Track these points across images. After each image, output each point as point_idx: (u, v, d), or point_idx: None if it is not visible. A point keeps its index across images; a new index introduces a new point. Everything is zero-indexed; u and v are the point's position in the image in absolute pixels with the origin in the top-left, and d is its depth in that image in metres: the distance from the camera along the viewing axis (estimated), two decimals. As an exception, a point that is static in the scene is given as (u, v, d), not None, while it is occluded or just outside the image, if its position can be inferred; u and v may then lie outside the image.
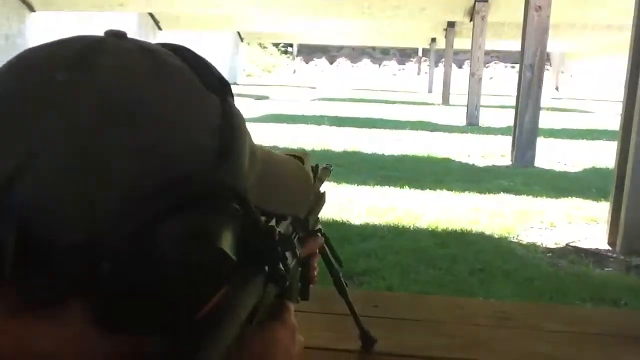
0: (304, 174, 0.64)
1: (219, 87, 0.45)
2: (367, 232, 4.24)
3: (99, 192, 0.38)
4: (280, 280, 0.67)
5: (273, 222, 0.69)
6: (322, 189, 1.08)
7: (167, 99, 0.42)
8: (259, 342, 0.66)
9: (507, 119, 8.47)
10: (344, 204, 4.92)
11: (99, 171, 0.38)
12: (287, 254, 0.76)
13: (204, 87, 0.44)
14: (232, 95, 0.47)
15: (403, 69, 26.23)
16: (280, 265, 0.68)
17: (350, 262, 3.58)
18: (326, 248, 1.05)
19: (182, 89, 0.43)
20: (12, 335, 0.38)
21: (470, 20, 11.59)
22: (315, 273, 0.99)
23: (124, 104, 0.40)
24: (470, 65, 11.11)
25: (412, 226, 4.42)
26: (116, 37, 0.44)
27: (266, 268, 0.66)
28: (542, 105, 7.15)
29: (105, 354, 0.42)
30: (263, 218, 0.70)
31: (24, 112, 0.39)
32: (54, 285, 0.39)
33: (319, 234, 0.98)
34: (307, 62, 26.64)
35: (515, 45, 7.47)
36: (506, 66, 24.59)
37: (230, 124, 0.45)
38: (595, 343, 1.14)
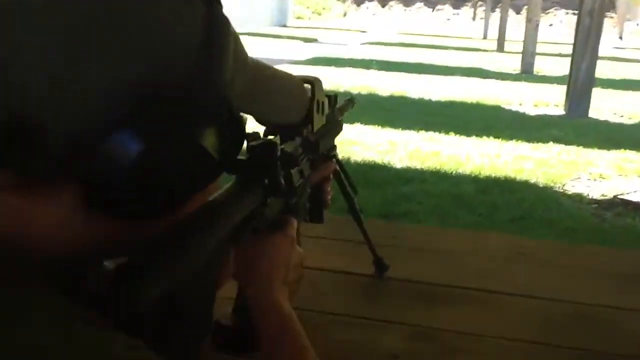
0: (301, 90, 0.65)
1: None
2: (409, 176, 4.23)
3: (87, 80, 0.40)
4: (280, 193, 0.70)
5: (277, 139, 0.72)
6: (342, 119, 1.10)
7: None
8: (257, 247, 0.70)
9: (564, 68, 8.09)
10: (387, 147, 4.90)
11: (88, 59, 0.40)
12: (293, 171, 0.79)
13: None
14: (219, 2, 0.49)
15: (457, 14, 25.31)
16: (282, 180, 0.71)
17: (390, 204, 3.60)
18: (341, 175, 1.07)
19: None
20: (14, 210, 0.43)
21: (531, -38, 10.99)
22: (329, 197, 1.02)
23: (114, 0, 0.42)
24: (528, 10, 10.61)
25: (454, 172, 4.38)
26: None
27: (266, 181, 0.69)
28: (602, 54, 6.81)
29: (96, 235, 0.46)
30: (270, 136, 0.73)
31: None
32: (46, 167, 0.42)
33: (333, 160, 1.00)
34: (358, 5, 26.03)
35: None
36: (567, 13, 23.36)
37: (216, 26, 0.47)
38: (611, 280, 1.14)
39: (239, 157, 0.69)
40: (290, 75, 0.63)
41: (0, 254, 0.40)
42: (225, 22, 0.47)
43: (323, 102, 0.93)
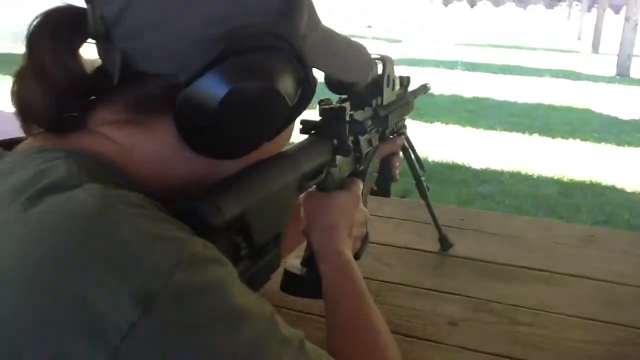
0: (367, 58, 0.71)
1: None
2: (487, 176, 4.17)
3: (179, 35, 0.48)
4: (347, 153, 0.76)
5: (347, 105, 0.78)
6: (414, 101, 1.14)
7: None
8: (325, 202, 0.76)
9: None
10: (467, 147, 4.84)
11: (182, 17, 0.48)
12: (361, 138, 0.85)
13: None
14: None
15: (551, 14, 24.33)
16: (350, 143, 0.77)
17: (465, 203, 3.58)
18: (409, 152, 1.11)
19: None
20: (115, 141, 0.51)
21: (632, -41, 10.41)
22: (397, 172, 1.07)
23: None
24: (626, 8, 10.06)
25: (535, 174, 4.27)
26: None
27: (335, 141, 0.75)
28: None
29: (185, 172, 0.54)
30: (339, 102, 0.79)
31: None
32: (148, 105, 0.51)
33: (401, 136, 1.05)
34: (446, 6, 25.61)
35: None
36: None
37: None
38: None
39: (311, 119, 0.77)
40: (359, 43, 0.68)
41: (109, 179, 0.47)
42: None
43: (394, 79, 0.98)
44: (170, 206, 0.48)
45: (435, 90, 7.10)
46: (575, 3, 22.24)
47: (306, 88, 0.54)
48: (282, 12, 0.52)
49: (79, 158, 0.47)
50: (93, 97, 0.53)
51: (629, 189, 4.02)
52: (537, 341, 0.88)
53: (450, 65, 10.16)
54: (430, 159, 4.34)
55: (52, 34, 0.49)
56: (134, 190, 0.46)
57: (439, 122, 5.72)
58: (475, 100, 7.25)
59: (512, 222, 1.37)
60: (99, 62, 0.53)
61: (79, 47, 0.52)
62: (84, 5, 0.52)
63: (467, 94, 7.63)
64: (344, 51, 0.65)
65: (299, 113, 0.57)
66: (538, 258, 1.15)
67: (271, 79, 0.50)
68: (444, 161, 4.43)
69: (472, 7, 25.45)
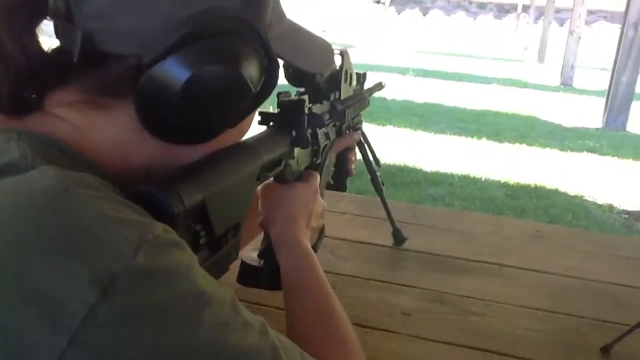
0: (329, 50, 0.71)
1: None
2: (437, 179, 4.26)
3: (147, 15, 0.47)
4: (305, 145, 0.76)
5: (305, 97, 0.79)
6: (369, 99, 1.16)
7: None
8: (283, 193, 0.76)
9: (605, 81, 7.99)
10: (418, 150, 4.93)
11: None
12: (319, 131, 0.85)
13: None
14: None
15: (499, 25, 25.06)
16: (308, 135, 0.78)
17: (417, 204, 3.64)
18: (365, 147, 1.13)
19: None
20: (71, 123, 0.50)
21: (576, -27, 10.86)
22: (353, 167, 1.08)
23: None
24: (570, 22, 10.48)
25: (483, 177, 4.39)
26: None
27: (293, 133, 0.75)
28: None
29: (144, 157, 0.53)
30: (298, 95, 0.80)
31: None
32: (109, 86, 0.49)
33: (358, 131, 1.06)
34: (399, 13, 26.02)
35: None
36: (613, 27, 22.90)
37: None
38: (623, 264, 1.17)
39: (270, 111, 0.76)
40: (321, 37, 0.69)
41: (63, 162, 0.46)
42: None
43: (351, 74, 0.99)
44: (128, 191, 0.47)
45: (387, 95, 7.24)
46: (522, 15, 22.99)
47: (269, 76, 0.54)
48: (246, 3, 0.51)
49: (32, 139, 0.46)
50: (51, 78, 0.51)
51: (571, 193, 4.18)
52: (488, 330, 0.90)
53: (402, 71, 10.34)
54: (382, 161, 4.39)
55: (9, 13, 0.48)
56: (89, 174, 0.45)
57: (391, 126, 5.82)
58: (426, 106, 7.40)
59: (462, 218, 1.40)
60: (56, 43, 0.51)
61: (36, 26, 0.50)
62: None
63: (419, 99, 7.78)
64: (307, 43, 0.65)
65: (262, 101, 0.57)
66: (488, 252, 1.18)
67: (236, 64, 0.49)
68: (396, 163, 4.49)
69: (424, 15, 25.93)
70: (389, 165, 4.37)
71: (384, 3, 25.60)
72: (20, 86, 0.48)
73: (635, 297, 1.03)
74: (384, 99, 7.26)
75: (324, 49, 0.70)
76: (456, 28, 23.71)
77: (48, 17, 0.50)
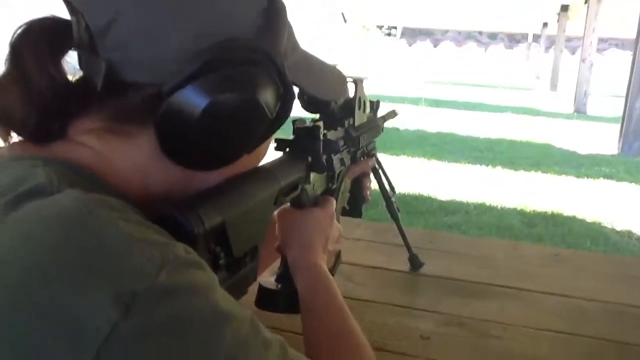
0: (342, 77, 0.73)
1: None
2: (452, 207, 4.24)
3: (166, 46, 0.49)
4: (321, 170, 0.78)
5: (320, 124, 0.80)
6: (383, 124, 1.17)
7: None
8: (299, 218, 0.78)
9: (619, 108, 7.97)
10: (432, 180, 4.93)
11: (168, 31, 0.49)
12: (334, 157, 0.87)
13: None
14: None
15: (511, 54, 25.23)
16: (323, 160, 0.79)
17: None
18: (380, 173, 1.14)
19: None
20: (94, 149, 0.52)
21: (585, 3, 10.96)
22: (368, 193, 1.09)
23: None
24: (582, 50, 10.52)
25: (499, 205, 4.36)
26: None
27: (309, 158, 0.77)
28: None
29: (164, 182, 0.54)
30: (311, 121, 0.82)
31: None
32: (131, 115, 0.51)
33: (372, 158, 1.08)
34: (410, 45, 26.31)
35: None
36: (625, 54, 22.93)
37: (275, 8, 0.55)
38: (642, 286, 1.16)
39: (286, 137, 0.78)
40: (333, 65, 0.71)
41: (87, 186, 0.48)
42: (283, 10, 0.56)
43: (364, 101, 1.01)
44: (150, 214, 0.48)
45: (400, 125, 7.26)
46: (533, 44, 23.13)
47: (285, 103, 0.56)
48: (264, 29, 0.54)
49: (57, 166, 0.47)
50: (74, 107, 0.53)
51: (589, 219, 4.13)
52: (508, 353, 0.89)
53: (415, 101, 10.41)
54: (397, 191, 4.39)
55: (36, 43, 0.50)
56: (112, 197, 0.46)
57: (405, 156, 5.83)
58: (440, 135, 7.41)
59: (479, 244, 1.40)
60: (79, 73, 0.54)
61: (62, 57, 0.52)
62: (67, 16, 0.53)
63: (432, 129, 7.80)
64: (320, 71, 0.67)
65: (278, 127, 0.58)
66: (505, 276, 1.17)
67: (252, 91, 0.51)
68: (411, 193, 4.49)
69: (435, 46, 26.20)
70: (403, 194, 4.37)
71: (395, 35, 25.92)
72: (45, 115, 0.50)
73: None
74: (397, 129, 7.30)
75: (337, 77, 0.72)
76: (467, 58, 23.87)
77: (73, 48, 0.52)
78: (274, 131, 0.59)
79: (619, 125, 7.05)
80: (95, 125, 0.52)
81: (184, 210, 0.51)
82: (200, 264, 0.45)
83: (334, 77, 0.71)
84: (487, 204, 4.37)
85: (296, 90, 0.59)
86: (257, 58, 0.52)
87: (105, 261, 0.39)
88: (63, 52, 0.52)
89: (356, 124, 0.97)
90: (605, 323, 1.00)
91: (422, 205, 4.19)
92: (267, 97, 0.53)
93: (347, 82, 0.79)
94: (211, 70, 0.49)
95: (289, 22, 0.59)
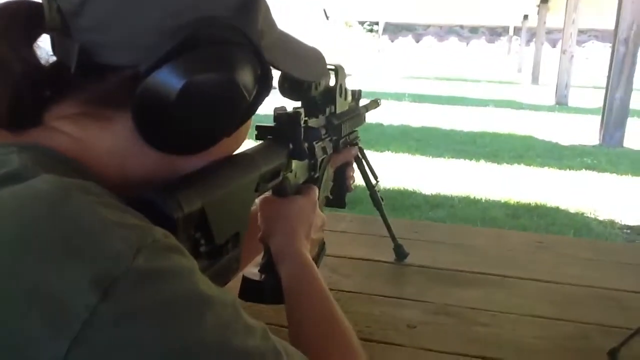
0: (322, 58, 0.72)
1: None
2: (437, 201, 4.25)
3: (141, 25, 0.48)
4: (302, 156, 0.77)
5: (301, 110, 0.79)
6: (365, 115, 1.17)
7: None
8: (282, 206, 0.77)
9: (599, 99, 8.06)
10: (417, 174, 4.94)
11: (144, 8, 0.48)
12: (316, 145, 0.86)
13: None
14: None
15: (492, 48, 25.39)
16: (305, 147, 0.78)
17: (418, 226, 3.63)
18: (363, 162, 1.13)
19: None
20: (71, 135, 0.50)
21: (565, -5, 11.06)
22: (351, 182, 1.08)
23: None
24: (562, 42, 10.61)
25: (483, 198, 4.38)
26: None
27: (290, 145, 0.76)
28: (638, 84, 6.75)
29: (141, 166, 0.53)
30: (293, 110, 0.81)
31: None
32: (107, 98, 0.50)
33: (355, 146, 1.07)
34: (392, 41, 26.35)
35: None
36: (605, 46, 23.19)
37: None
38: (625, 270, 1.17)
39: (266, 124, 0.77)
40: (312, 46, 0.70)
41: (64, 171, 0.46)
42: None
43: (346, 89, 1.00)
44: (128, 200, 0.47)
45: (384, 120, 7.27)
46: (514, 37, 23.29)
47: (263, 83, 0.55)
48: (240, 7, 0.52)
49: (32, 152, 0.46)
50: (49, 92, 0.52)
51: (572, 210, 4.17)
52: (494, 340, 0.89)
53: (398, 97, 10.43)
54: (382, 186, 4.40)
55: (8, 27, 0.49)
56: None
57: (389, 151, 5.84)
58: (423, 130, 7.44)
59: (463, 233, 1.40)
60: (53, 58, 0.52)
61: (34, 40, 0.51)
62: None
63: (415, 123, 7.82)
64: (300, 51, 0.66)
65: (256, 108, 0.57)
66: (490, 264, 1.18)
67: (229, 71, 0.50)
68: (396, 188, 4.49)
69: (417, 42, 26.28)
70: (388, 189, 4.37)
71: (377, 31, 25.96)
72: (18, 100, 0.49)
73: (639, 301, 1.02)
74: (381, 124, 7.31)
75: (317, 57, 0.70)
76: (450, 53, 23.99)
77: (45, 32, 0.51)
78: (252, 113, 0.58)
79: (599, 117, 7.13)
80: (71, 110, 0.51)
81: (162, 194, 0.50)
82: (179, 249, 0.44)
83: (313, 57, 0.70)
84: (472, 197, 4.39)
85: (277, 76, 0.58)
86: (233, 37, 0.51)
87: (81, 244, 0.38)
88: (36, 36, 0.51)
89: (338, 111, 0.96)
90: (589, 307, 1.00)
91: (407, 200, 4.19)
92: (245, 77, 0.52)
93: (326, 62, 0.78)
94: (187, 49, 0.48)
95: (265, 1, 0.57)
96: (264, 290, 0.76)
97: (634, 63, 6.61)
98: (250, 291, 0.77)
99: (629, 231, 3.83)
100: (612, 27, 6.85)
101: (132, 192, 0.50)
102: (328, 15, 20.38)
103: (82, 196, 0.42)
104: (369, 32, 25.95)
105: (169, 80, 0.48)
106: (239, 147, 0.64)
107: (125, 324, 0.37)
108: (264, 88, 0.55)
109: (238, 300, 0.46)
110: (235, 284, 0.66)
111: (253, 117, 0.59)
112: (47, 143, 0.49)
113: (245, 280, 0.78)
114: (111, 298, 0.37)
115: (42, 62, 0.51)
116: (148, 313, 0.38)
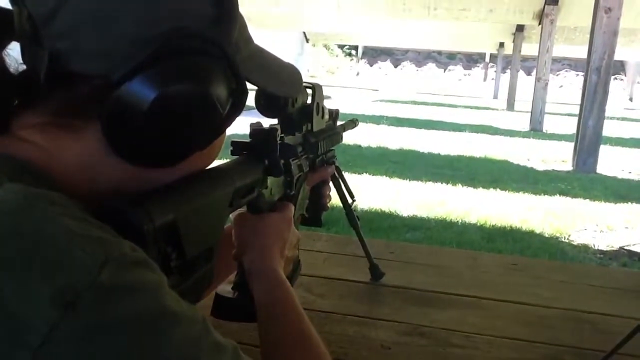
0: (298, 75, 0.72)
1: None
2: (414, 224, 4.26)
3: (113, 33, 0.47)
4: (278, 173, 0.76)
5: (277, 126, 0.79)
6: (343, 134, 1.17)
7: None
8: (257, 224, 0.75)
9: (573, 126, 8.23)
10: (394, 196, 4.96)
11: (118, 16, 0.47)
12: (292, 162, 0.85)
13: None
14: None
15: (469, 75, 25.84)
16: (280, 164, 0.78)
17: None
18: (339, 181, 1.13)
19: None
20: (38, 145, 0.49)
21: (539, 24, 11.33)
22: (327, 201, 1.08)
23: None
24: (537, 70, 10.84)
25: (460, 221, 4.41)
26: None
27: (266, 161, 0.75)
28: (613, 115, 6.91)
29: (111, 178, 0.52)
30: (269, 126, 0.80)
31: None
32: (76, 108, 0.49)
33: (332, 165, 1.07)
34: (371, 65, 26.66)
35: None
36: (578, 74, 23.75)
37: (227, 4, 0.54)
38: (598, 293, 1.17)
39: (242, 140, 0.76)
40: (288, 62, 0.70)
41: (29, 181, 0.45)
42: (235, 2, 0.55)
43: (323, 107, 1.00)
44: (95, 208, 0.46)
45: (362, 142, 7.30)
46: (490, 64, 23.75)
47: (238, 97, 0.54)
48: (214, 18, 0.52)
49: None
50: (17, 101, 0.51)
51: (547, 234, 4.22)
52: (468, 361, 0.89)
53: (376, 120, 10.51)
54: (359, 207, 4.41)
55: None
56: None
57: (367, 174, 5.86)
58: (401, 153, 7.50)
59: (439, 254, 1.40)
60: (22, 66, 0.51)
61: (3, 49, 0.50)
62: (8, 6, 0.50)
63: (393, 146, 7.88)
64: (275, 66, 0.65)
65: (230, 122, 0.56)
66: (465, 285, 1.17)
67: (203, 84, 0.49)
68: (373, 209, 4.50)
69: (395, 67, 26.64)
70: (366, 211, 4.38)
71: (356, 55, 26.25)
72: None
73: (612, 324, 1.03)
74: (360, 146, 7.35)
75: (293, 73, 0.70)
76: (427, 78, 24.35)
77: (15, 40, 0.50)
78: (226, 127, 0.57)
79: (573, 143, 7.26)
80: (40, 119, 0.49)
81: (131, 204, 0.48)
82: (148, 263, 0.42)
83: (289, 73, 0.69)
84: (448, 219, 4.41)
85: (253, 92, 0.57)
86: (208, 49, 0.50)
87: (45, 257, 0.37)
88: (5, 44, 0.50)
89: (315, 129, 0.96)
90: (563, 329, 1.00)
91: (384, 222, 4.20)
92: (219, 90, 0.51)
93: (302, 79, 0.78)
94: (161, 60, 0.47)
95: (241, 15, 0.57)
96: (237, 307, 0.75)
97: (606, 91, 6.77)
98: (222, 308, 0.76)
99: (602, 256, 3.88)
100: (584, 56, 7.02)
101: (100, 204, 0.49)
102: (308, 38, 20.56)
103: (47, 207, 0.40)
104: (348, 56, 26.22)
105: (141, 90, 0.47)
106: (212, 161, 0.63)
107: (87, 340, 0.36)
108: (238, 102, 0.54)
109: (209, 318, 0.45)
110: (207, 301, 0.65)
111: (227, 132, 0.58)
112: (14, 152, 0.47)
113: (218, 297, 0.76)
114: (73, 314, 0.36)
115: (11, 70, 0.50)
116: (113, 331, 0.37)
